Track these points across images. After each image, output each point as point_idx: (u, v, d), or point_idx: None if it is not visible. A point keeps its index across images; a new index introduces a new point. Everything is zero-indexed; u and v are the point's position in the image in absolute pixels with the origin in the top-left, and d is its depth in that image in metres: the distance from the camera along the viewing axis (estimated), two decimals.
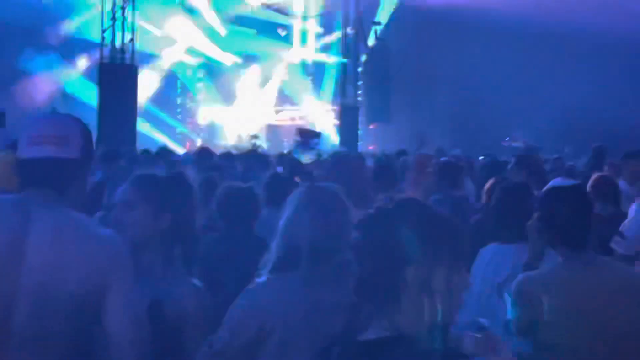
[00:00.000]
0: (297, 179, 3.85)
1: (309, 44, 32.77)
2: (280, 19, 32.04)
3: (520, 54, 26.08)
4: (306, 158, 3.98)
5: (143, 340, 2.45)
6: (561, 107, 24.87)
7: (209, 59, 32.76)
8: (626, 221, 5.10)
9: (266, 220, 4.94)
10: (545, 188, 3.50)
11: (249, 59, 33.14)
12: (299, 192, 2.96)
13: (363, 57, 28.13)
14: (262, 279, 2.82)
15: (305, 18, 31.17)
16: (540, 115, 25.36)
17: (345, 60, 26.83)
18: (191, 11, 30.30)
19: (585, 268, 3.27)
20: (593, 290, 3.19)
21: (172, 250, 2.92)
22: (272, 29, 32.32)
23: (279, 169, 10.05)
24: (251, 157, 10.35)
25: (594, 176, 5.58)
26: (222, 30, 31.61)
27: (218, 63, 32.85)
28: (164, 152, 11.52)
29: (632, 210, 5.30)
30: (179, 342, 2.68)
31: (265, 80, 33.98)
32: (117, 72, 15.91)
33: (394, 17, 29.10)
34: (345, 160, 5.16)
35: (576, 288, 3.21)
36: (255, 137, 21.99)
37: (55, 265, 2.36)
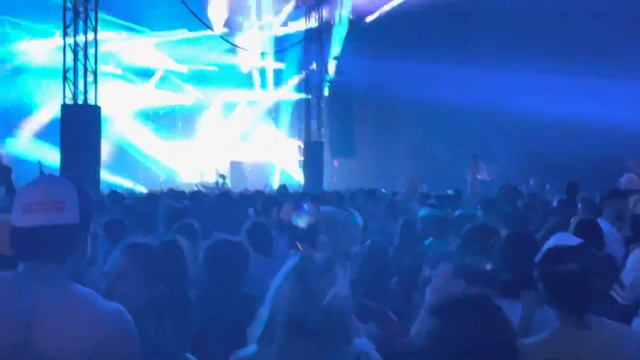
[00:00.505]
0: (299, 246, 3.66)
1: (269, 82, 32.81)
2: (238, 60, 32.04)
3: (486, 79, 26.12)
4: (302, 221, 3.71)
5: None
6: (526, 136, 25.04)
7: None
8: (625, 270, 5.05)
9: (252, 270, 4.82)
10: (547, 246, 3.26)
11: (210, 96, 33.16)
12: (291, 260, 2.79)
13: (325, 92, 28.23)
14: (248, 350, 2.65)
15: (263, 55, 31.15)
16: (505, 145, 25.53)
17: (308, 96, 26.83)
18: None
19: (584, 335, 3.05)
20: None
21: (165, 322, 2.78)
22: (232, 68, 32.35)
23: (250, 211, 9.94)
24: (221, 197, 10.27)
25: (577, 219, 5.49)
26: (185, 69, 31.72)
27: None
28: (117, 197, 11.39)
29: (630, 260, 5.27)
30: None
31: (226, 117, 33.99)
32: (80, 113, 15.66)
33: (350, 49, 29.24)
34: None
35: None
36: (222, 176, 21.75)
37: (63, 348, 2.24)
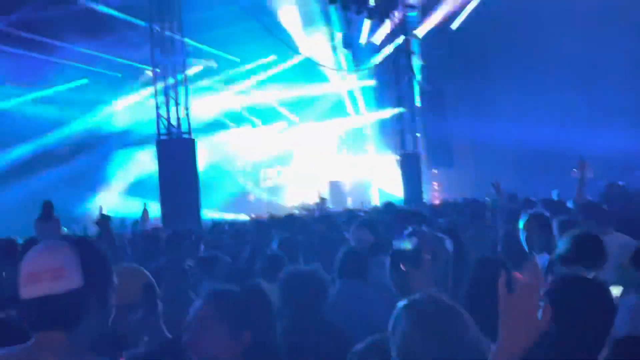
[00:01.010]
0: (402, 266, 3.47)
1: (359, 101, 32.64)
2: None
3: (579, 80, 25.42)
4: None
5: None
6: None
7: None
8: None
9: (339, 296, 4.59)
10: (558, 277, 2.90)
11: (304, 118, 33.41)
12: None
13: (417, 103, 27.86)
14: None
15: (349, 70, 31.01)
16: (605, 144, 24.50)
17: (402, 109, 26.47)
18: None
19: None
20: None
21: None
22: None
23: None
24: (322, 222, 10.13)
25: None
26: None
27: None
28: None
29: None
30: None
31: (321, 137, 34.11)
32: (174, 147, 15.82)
33: (437, 57, 28.81)
34: None
35: None
36: (322, 199, 21.54)
37: None
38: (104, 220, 8.25)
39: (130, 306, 3.03)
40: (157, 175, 15.91)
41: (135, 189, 25.92)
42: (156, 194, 16.24)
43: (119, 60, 24.39)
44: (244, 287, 2.86)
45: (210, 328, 2.63)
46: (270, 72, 30.71)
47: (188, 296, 5.57)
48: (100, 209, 8.57)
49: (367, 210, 15.69)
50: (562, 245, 4.33)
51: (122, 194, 26.60)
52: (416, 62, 27.81)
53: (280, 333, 3.98)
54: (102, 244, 6.99)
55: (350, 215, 11.01)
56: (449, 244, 3.61)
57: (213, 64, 28.67)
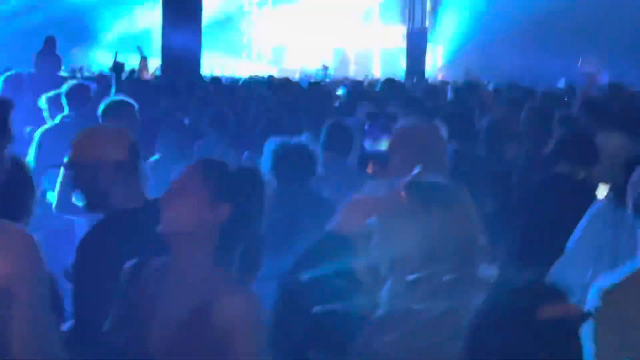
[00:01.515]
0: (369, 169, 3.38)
1: None
2: None
3: None
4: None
5: None
6: None
7: None
8: None
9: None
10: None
11: None
12: None
13: None
14: None
15: None
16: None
17: None
18: None
19: None
20: None
21: (227, 251, 2.54)
22: None
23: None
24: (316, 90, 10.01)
25: None
26: None
27: None
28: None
29: None
30: (224, 357, 2.37)
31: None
32: None
33: None
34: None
35: None
36: (325, 67, 21.28)
37: None
38: (118, 66, 8.26)
39: (116, 164, 3.03)
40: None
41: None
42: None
43: None
44: (240, 166, 2.79)
45: (189, 191, 2.47)
46: None
47: (186, 151, 5.62)
48: (116, 54, 8.54)
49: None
50: (553, 141, 4.34)
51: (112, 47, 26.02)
52: None
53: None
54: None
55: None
56: (444, 133, 3.40)
57: None
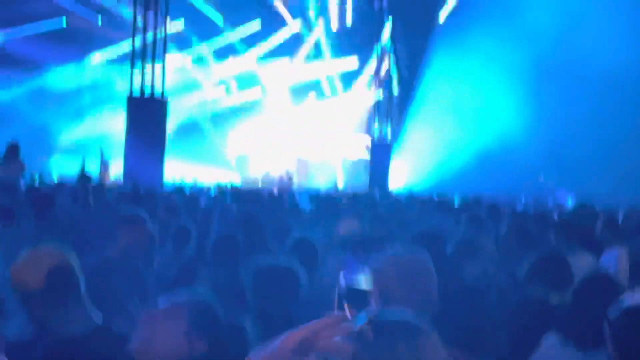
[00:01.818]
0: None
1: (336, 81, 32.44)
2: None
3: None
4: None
5: None
6: None
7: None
8: None
9: None
10: (625, 307, 2.67)
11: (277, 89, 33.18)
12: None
13: (395, 92, 27.65)
14: None
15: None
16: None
17: (380, 97, 26.30)
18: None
19: None
20: None
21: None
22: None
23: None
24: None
25: None
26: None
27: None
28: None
29: None
30: None
31: (297, 112, 33.89)
32: (145, 106, 15.47)
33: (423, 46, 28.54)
34: None
35: None
36: (289, 177, 21.19)
37: None
38: (84, 179, 8.11)
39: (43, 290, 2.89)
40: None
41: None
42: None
43: None
44: (206, 298, 2.67)
45: (163, 333, 2.43)
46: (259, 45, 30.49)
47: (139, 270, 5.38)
48: (83, 163, 8.42)
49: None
50: (526, 264, 4.22)
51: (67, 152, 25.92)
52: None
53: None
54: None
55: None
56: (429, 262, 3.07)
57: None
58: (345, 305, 2.86)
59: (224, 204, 9.40)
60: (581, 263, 5.01)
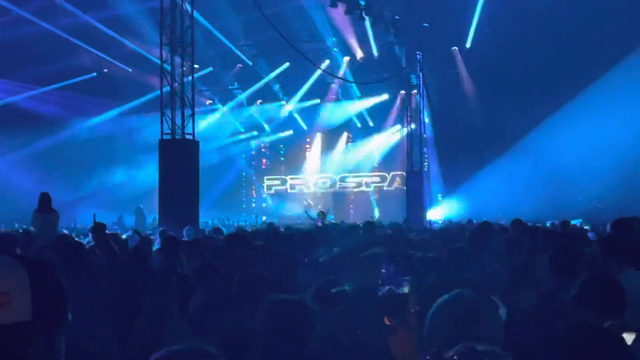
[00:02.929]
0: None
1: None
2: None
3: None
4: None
5: None
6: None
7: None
8: None
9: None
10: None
11: (313, 128, 33.41)
12: None
13: (427, 120, 27.47)
14: None
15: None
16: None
17: (412, 126, 26.09)
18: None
19: None
20: None
21: None
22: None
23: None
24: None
25: None
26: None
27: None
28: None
29: None
30: None
31: (328, 148, 34.00)
32: (177, 148, 15.44)
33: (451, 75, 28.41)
34: None
35: None
36: (322, 213, 20.97)
37: None
38: (98, 227, 7.94)
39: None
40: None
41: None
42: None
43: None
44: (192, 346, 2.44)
45: None
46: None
47: (170, 310, 5.24)
48: (94, 216, 8.25)
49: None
50: (576, 286, 3.95)
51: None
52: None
53: None
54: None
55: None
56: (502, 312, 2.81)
57: None
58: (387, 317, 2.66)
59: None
60: (632, 281, 4.71)
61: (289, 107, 32.04)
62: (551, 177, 25.65)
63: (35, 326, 1.72)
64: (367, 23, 24.74)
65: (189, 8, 15.58)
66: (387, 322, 3.02)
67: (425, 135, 27.35)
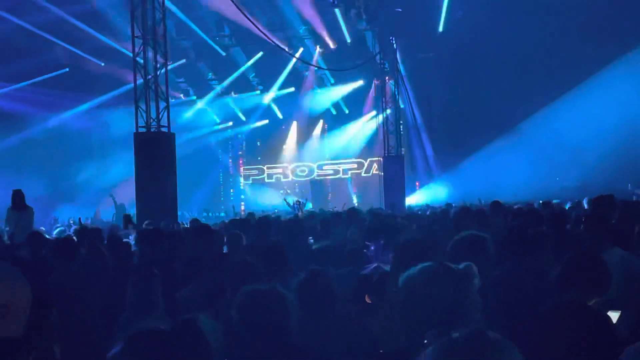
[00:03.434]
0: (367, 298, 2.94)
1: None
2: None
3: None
4: None
5: None
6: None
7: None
8: None
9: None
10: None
11: (289, 117, 33.31)
12: None
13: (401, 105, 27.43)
14: None
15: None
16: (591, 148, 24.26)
17: (387, 112, 26.10)
18: None
19: None
20: None
21: None
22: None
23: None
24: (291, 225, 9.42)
25: None
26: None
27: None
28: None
29: None
30: None
31: (305, 137, 33.98)
32: (153, 141, 15.30)
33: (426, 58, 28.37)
34: None
35: None
36: (300, 202, 20.86)
37: None
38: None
39: None
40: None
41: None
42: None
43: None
44: (175, 325, 2.43)
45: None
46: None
47: (155, 303, 5.19)
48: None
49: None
50: (562, 264, 3.96)
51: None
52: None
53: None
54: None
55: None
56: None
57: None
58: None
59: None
60: (612, 258, 4.75)
61: (266, 97, 31.88)
62: (537, 160, 25.78)
63: (27, 341, 1.66)
64: (338, 11, 24.63)
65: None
66: (367, 301, 3.01)
67: (401, 122, 27.31)
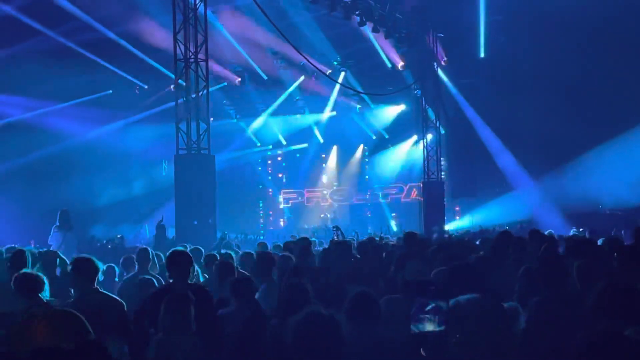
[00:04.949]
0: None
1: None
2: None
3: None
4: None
5: None
6: None
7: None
8: None
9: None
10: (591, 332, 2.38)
11: (330, 140, 33.33)
12: None
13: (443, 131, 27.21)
14: None
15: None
16: None
17: (428, 137, 25.92)
18: None
19: None
20: None
21: None
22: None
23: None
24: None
25: None
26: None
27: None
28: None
29: None
30: None
31: (345, 161, 33.99)
32: (193, 163, 15.44)
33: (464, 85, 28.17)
34: None
35: None
36: (337, 228, 20.81)
37: None
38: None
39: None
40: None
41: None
42: None
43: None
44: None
45: None
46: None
47: (187, 324, 5.24)
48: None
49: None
50: (594, 295, 3.88)
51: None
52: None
53: None
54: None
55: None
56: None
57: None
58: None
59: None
60: None
61: (308, 119, 31.96)
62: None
63: None
64: (371, 34, 24.26)
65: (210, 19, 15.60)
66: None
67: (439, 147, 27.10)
